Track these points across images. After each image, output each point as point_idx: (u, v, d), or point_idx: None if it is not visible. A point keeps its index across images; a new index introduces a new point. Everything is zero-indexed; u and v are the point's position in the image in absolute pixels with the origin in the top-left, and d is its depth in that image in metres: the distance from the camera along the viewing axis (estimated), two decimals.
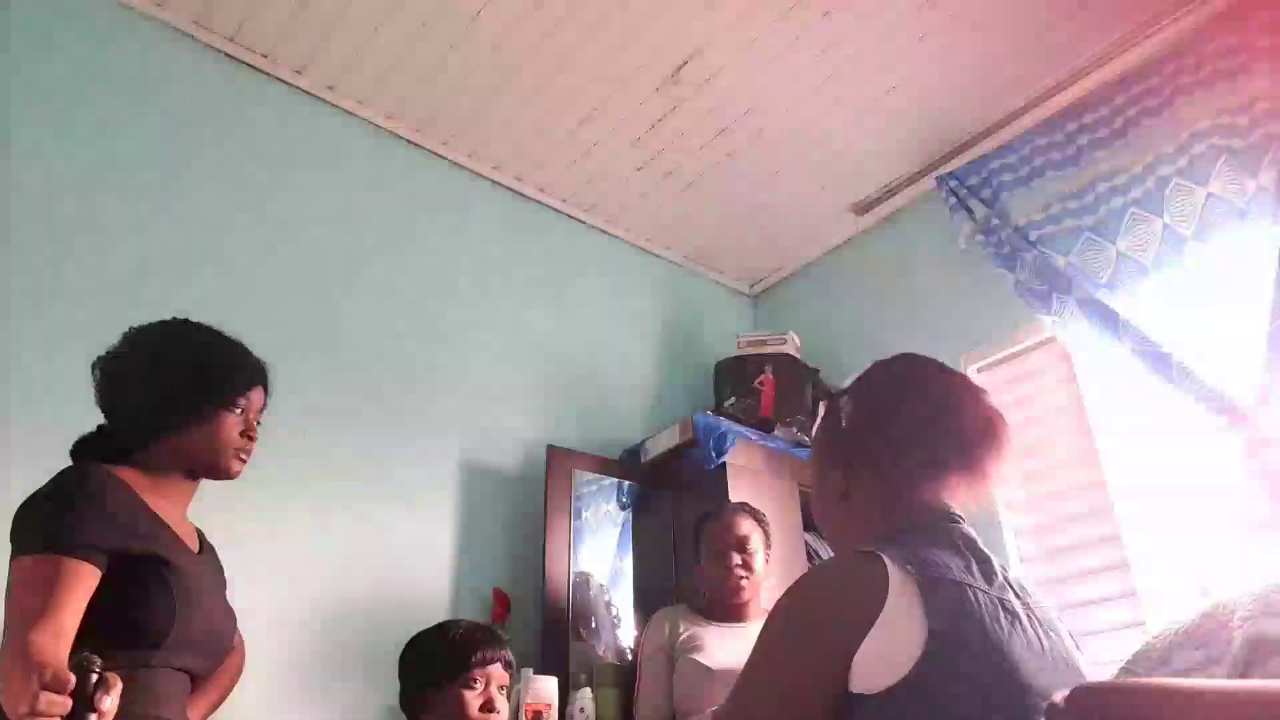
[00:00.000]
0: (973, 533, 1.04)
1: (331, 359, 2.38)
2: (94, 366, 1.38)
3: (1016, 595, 0.99)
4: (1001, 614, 0.93)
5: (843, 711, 0.88)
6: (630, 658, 2.41)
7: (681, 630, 2.15)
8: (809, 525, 2.65)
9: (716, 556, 2.18)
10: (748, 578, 2.16)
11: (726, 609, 2.17)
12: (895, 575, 0.90)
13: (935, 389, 1.13)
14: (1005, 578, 1.00)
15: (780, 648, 0.95)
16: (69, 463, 1.34)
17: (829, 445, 1.18)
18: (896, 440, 1.09)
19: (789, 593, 0.99)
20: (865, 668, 0.87)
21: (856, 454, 1.12)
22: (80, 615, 1.12)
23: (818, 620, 0.93)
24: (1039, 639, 0.95)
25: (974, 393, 1.12)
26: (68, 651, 1.08)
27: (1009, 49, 2.61)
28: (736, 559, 2.16)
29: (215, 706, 1.48)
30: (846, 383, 1.20)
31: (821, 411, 1.22)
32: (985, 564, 0.99)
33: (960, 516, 1.06)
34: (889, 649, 0.87)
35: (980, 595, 0.93)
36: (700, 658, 2.06)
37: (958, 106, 2.82)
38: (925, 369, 1.17)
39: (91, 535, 1.16)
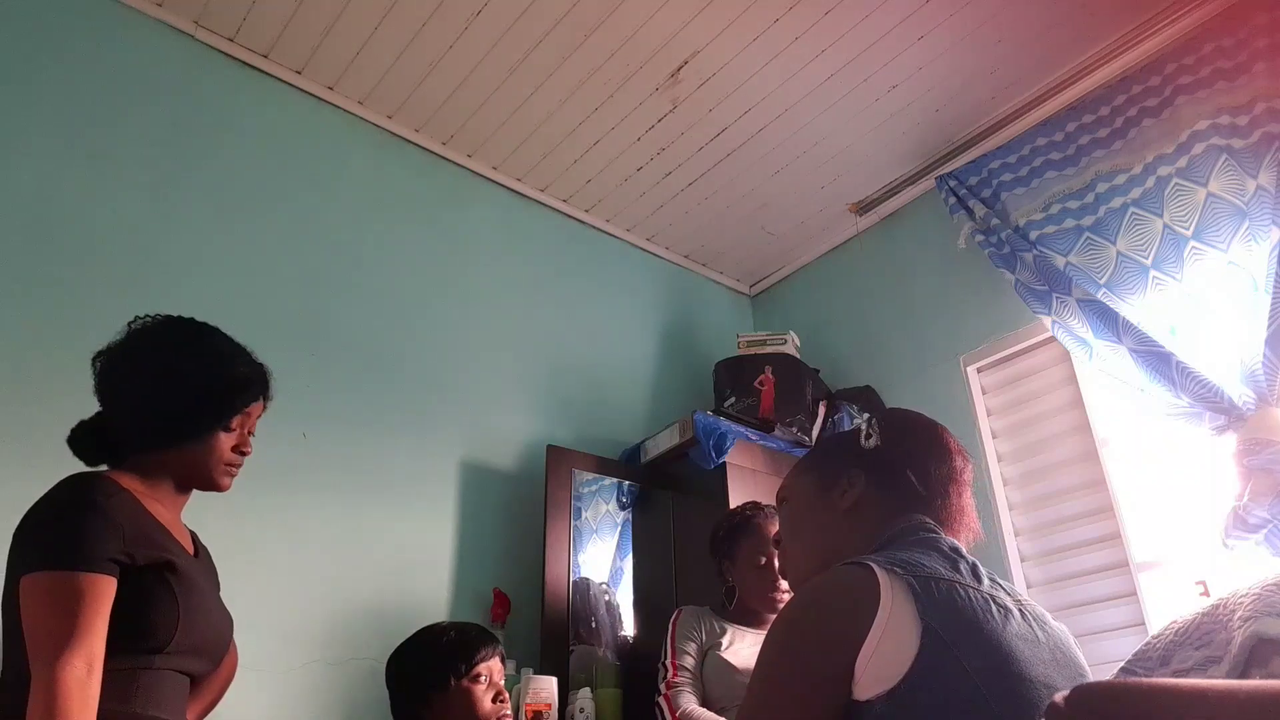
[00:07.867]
0: (956, 542, 1.08)
1: (331, 359, 2.38)
2: (95, 359, 1.36)
3: (1008, 593, 1.01)
4: (994, 608, 0.95)
5: None
6: (628, 657, 2.41)
7: (709, 629, 2.13)
8: None
9: (764, 565, 2.14)
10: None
11: (759, 616, 2.14)
12: (884, 579, 0.93)
13: (938, 437, 1.23)
14: (994, 579, 1.03)
15: (781, 662, 0.97)
16: (68, 457, 1.33)
17: (851, 456, 1.22)
18: (913, 472, 1.17)
19: (787, 607, 1.01)
20: (867, 674, 0.88)
21: (881, 474, 1.18)
22: (106, 630, 1.12)
23: (815, 632, 0.95)
24: (1033, 631, 0.98)
25: (953, 443, 1.24)
26: (99, 679, 1.09)
27: (1009, 49, 2.62)
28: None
29: (210, 708, 1.47)
30: (860, 419, 1.29)
31: (842, 426, 1.28)
32: (974, 567, 1.02)
33: (938, 529, 1.10)
34: (888, 651, 0.88)
35: (970, 592, 0.96)
36: (728, 655, 2.05)
37: (958, 106, 2.83)
38: (929, 420, 1.29)
39: (106, 548, 1.16)
